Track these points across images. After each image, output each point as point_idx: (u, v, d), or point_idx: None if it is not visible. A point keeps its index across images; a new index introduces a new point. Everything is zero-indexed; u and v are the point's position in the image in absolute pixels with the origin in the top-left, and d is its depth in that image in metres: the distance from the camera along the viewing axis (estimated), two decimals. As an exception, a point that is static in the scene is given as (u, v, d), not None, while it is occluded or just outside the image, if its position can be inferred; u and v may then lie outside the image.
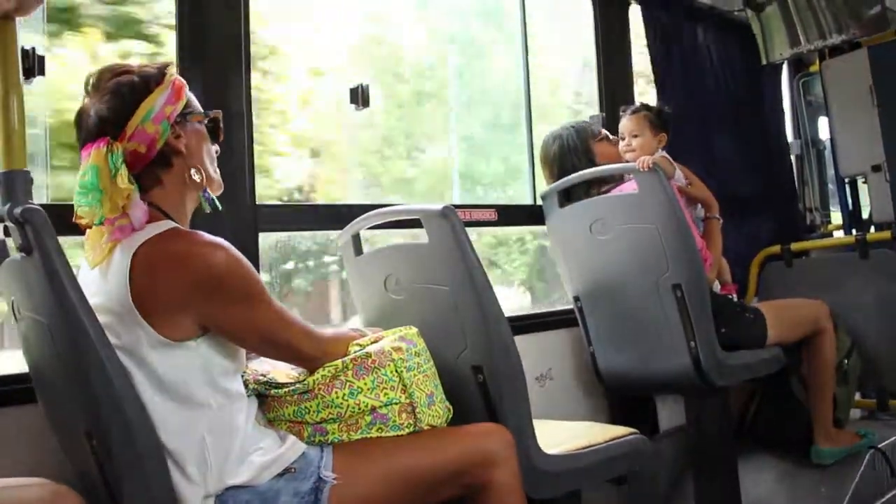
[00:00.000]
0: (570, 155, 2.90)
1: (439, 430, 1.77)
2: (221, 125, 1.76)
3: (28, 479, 1.53)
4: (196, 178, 1.67)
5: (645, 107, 3.00)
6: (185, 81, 1.67)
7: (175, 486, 1.48)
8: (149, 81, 1.60)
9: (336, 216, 2.36)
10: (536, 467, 1.92)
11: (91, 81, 1.60)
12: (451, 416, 1.81)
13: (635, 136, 2.93)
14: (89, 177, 1.49)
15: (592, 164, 2.89)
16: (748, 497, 2.94)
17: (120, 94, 1.56)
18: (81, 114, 1.59)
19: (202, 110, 1.71)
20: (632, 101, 3.41)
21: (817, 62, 4.12)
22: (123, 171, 1.51)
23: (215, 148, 1.75)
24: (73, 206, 1.53)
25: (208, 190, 1.73)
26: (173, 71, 1.65)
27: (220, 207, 1.75)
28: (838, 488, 2.92)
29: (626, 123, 2.97)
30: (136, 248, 1.49)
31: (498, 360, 1.90)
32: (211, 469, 1.51)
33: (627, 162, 2.84)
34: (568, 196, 2.91)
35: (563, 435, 2.15)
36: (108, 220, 1.51)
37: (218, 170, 1.74)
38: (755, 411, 3.46)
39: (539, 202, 3.02)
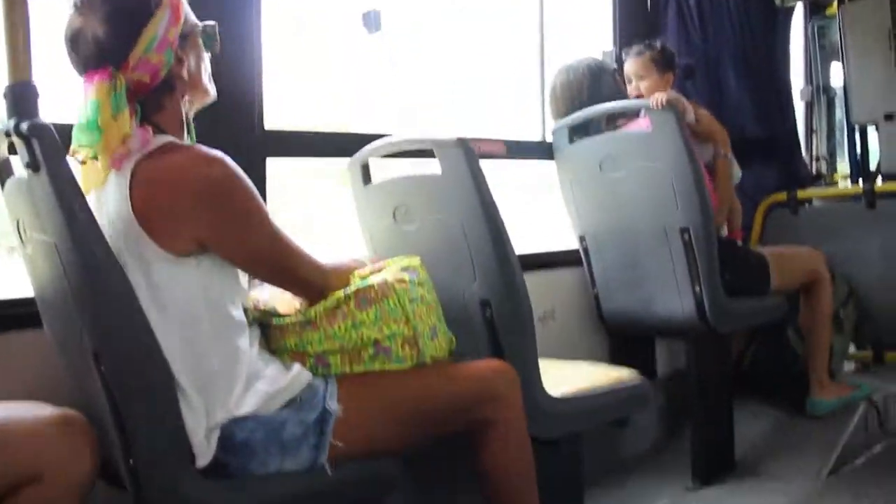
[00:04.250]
0: (603, 75, 2.87)
1: (445, 365, 1.75)
2: (218, 38, 1.67)
3: (34, 403, 1.52)
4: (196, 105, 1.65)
5: (648, 46, 2.95)
6: None
7: (182, 415, 1.46)
8: (148, 3, 1.50)
9: (346, 144, 2.30)
10: (540, 407, 1.93)
11: None
12: (454, 346, 1.79)
13: (642, 79, 2.89)
14: (90, 113, 1.43)
15: (622, 90, 2.89)
16: (742, 444, 2.97)
17: (118, 21, 1.47)
18: (76, 34, 1.48)
19: (198, 23, 1.63)
20: (648, 35, 3.35)
21: (834, 5, 4.05)
22: (126, 112, 1.45)
23: (209, 56, 1.67)
24: None
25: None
26: None
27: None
28: (830, 439, 2.95)
29: (631, 66, 2.93)
30: (135, 163, 1.46)
31: (507, 297, 1.90)
32: (217, 397, 1.49)
33: None
34: (579, 128, 2.87)
35: (566, 375, 2.15)
36: (104, 154, 1.46)
37: (212, 79, 1.68)
38: (751, 360, 3.48)
39: (549, 139, 2.98)
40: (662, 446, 3.17)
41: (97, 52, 1.47)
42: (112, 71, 1.44)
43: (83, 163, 1.49)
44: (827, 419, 3.09)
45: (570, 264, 3.04)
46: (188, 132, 1.63)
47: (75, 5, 1.49)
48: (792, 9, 4.17)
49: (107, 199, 1.49)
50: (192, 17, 1.62)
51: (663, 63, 2.91)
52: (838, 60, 4.07)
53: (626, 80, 2.94)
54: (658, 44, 2.99)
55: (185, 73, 1.57)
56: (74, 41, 1.49)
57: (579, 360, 2.45)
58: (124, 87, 1.45)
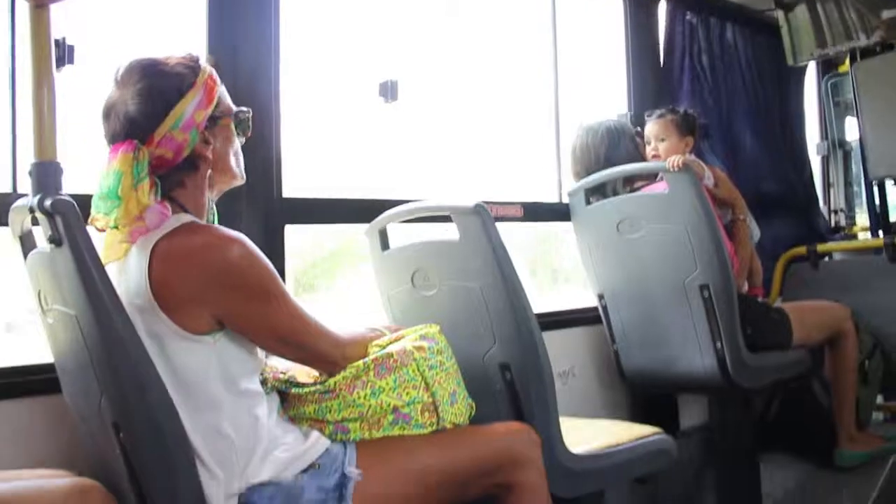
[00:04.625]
0: (622, 138, 2.91)
1: (465, 430, 1.75)
2: (251, 123, 1.72)
3: (52, 471, 1.53)
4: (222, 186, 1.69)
5: (671, 110, 3.00)
6: (217, 78, 1.63)
7: (201, 484, 1.47)
8: (181, 84, 1.55)
9: (364, 210, 2.33)
10: (563, 466, 1.92)
11: (120, 74, 1.55)
12: (473, 412, 1.79)
13: (662, 140, 2.93)
14: (112, 182, 1.46)
15: (639, 154, 2.93)
16: (770, 498, 2.95)
17: (150, 98, 1.52)
18: (110, 107, 1.55)
19: (232, 108, 1.68)
20: (661, 99, 3.40)
21: (846, 62, 4.08)
22: (146, 184, 1.48)
23: (241, 141, 1.72)
24: None
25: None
26: (206, 68, 1.61)
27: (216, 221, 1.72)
28: (862, 492, 2.89)
29: (651, 127, 2.97)
30: (155, 242, 1.48)
31: (526, 359, 1.90)
32: (235, 466, 1.50)
33: None
34: (596, 189, 2.89)
35: (588, 433, 2.15)
36: (122, 224, 1.49)
37: (241, 163, 1.71)
38: (776, 413, 3.45)
39: (565, 199, 3.01)
40: (689, 502, 3.13)
41: (126, 125, 1.51)
42: (137, 144, 1.48)
43: (101, 230, 1.51)
44: (857, 471, 3.04)
45: (589, 322, 3.04)
46: (210, 213, 1.67)
47: (115, 79, 1.55)
48: (804, 67, 4.21)
49: (128, 272, 1.52)
50: (228, 102, 1.67)
51: (685, 127, 2.95)
52: (853, 115, 4.09)
53: (646, 142, 2.97)
54: (681, 109, 3.04)
55: (209, 154, 1.60)
56: (107, 113, 1.55)
57: (601, 418, 2.44)
58: (147, 159, 1.49)
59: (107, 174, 1.48)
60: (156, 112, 1.52)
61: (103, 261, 1.47)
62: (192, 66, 1.58)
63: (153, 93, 1.52)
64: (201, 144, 1.59)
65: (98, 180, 1.50)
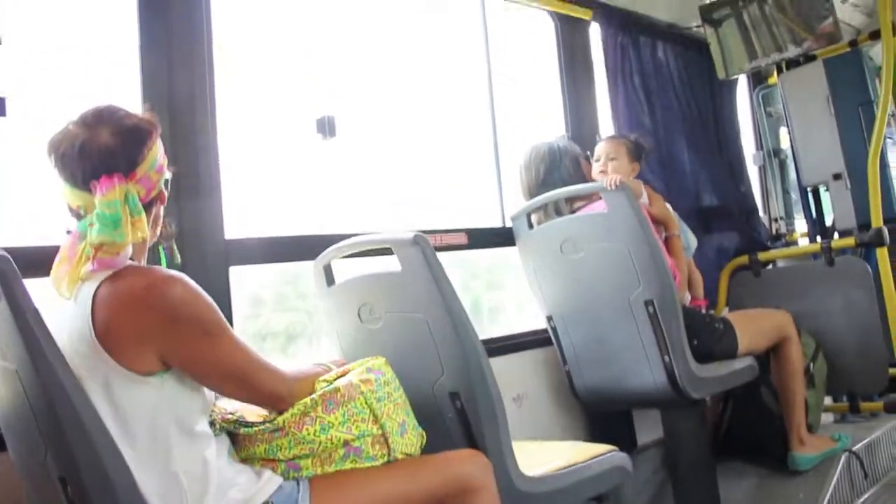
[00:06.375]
0: (563, 158, 2.95)
1: (416, 459, 1.76)
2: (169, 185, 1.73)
3: None
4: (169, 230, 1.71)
5: (624, 135, 3.09)
6: None
7: None
8: (151, 129, 1.59)
9: (307, 247, 2.34)
10: (517, 490, 1.92)
11: (89, 115, 1.55)
12: (424, 442, 1.80)
13: (612, 159, 2.98)
14: (115, 210, 1.48)
15: (580, 175, 2.96)
16: (728, 505, 2.96)
17: (132, 136, 1.55)
18: (84, 144, 1.51)
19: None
20: (595, 119, 3.47)
21: (775, 74, 4.19)
22: (144, 216, 1.53)
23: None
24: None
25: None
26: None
27: (179, 259, 1.76)
28: (816, 493, 2.96)
29: (604, 146, 3.03)
30: (96, 287, 1.48)
31: (475, 386, 1.90)
32: None
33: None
34: (539, 210, 2.93)
35: (543, 456, 2.15)
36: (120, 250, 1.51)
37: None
38: (728, 422, 3.50)
39: (508, 224, 3.03)
40: (648, 517, 3.16)
41: (108, 160, 1.52)
42: (122, 176, 1.51)
43: (110, 261, 1.51)
44: (810, 473, 3.08)
45: (539, 345, 3.07)
46: (162, 255, 1.70)
47: (84, 121, 1.54)
48: (736, 80, 4.31)
49: (70, 318, 1.50)
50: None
51: (634, 153, 3.03)
52: (784, 125, 4.20)
53: (595, 159, 3.02)
54: (633, 136, 3.12)
55: (164, 201, 1.67)
56: (83, 151, 1.51)
57: (556, 440, 2.46)
58: (134, 192, 1.52)
59: (107, 205, 1.49)
60: (138, 150, 1.55)
61: (61, 295, 1.49)
62: (149, 118, 1.62)
63: (133, 132, 1.56)
64: (164, 188, 1.64)
65: (96, 211, 1.49)
